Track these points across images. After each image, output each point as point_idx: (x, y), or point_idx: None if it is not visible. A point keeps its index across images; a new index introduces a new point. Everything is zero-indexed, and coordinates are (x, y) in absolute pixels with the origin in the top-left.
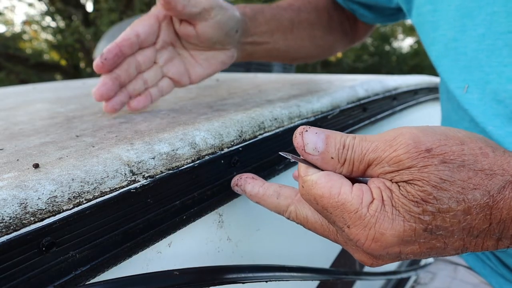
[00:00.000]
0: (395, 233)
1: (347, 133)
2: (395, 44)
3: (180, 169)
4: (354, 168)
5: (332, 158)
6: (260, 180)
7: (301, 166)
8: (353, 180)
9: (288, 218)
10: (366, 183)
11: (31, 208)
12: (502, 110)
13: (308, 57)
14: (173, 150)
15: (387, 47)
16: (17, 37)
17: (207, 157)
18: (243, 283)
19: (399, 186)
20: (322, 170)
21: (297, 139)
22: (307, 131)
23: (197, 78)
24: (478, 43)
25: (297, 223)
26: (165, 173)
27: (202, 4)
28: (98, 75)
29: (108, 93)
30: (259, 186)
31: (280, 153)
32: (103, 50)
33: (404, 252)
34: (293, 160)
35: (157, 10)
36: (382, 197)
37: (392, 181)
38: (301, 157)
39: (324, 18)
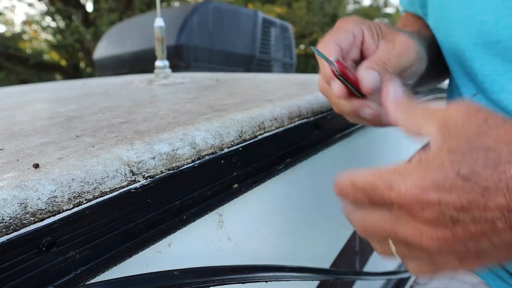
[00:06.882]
0: (427, 176)
1: (347, 132)
2: None
3: (180, 169)
4: None
5: None
6: None
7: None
8: None
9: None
10: None
11: (31, 208)
12: None
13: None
14: (173, 150)
15: None
16: (17, 37)
17: (207, 157)
18: (243, 283)
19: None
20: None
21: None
22: None
23: None
24: (472, 52)
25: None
26: (165, 173)
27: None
28: (98, 75)
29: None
30: None
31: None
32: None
33: (444, 202)
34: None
35: (354, 28)
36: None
37: None
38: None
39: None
